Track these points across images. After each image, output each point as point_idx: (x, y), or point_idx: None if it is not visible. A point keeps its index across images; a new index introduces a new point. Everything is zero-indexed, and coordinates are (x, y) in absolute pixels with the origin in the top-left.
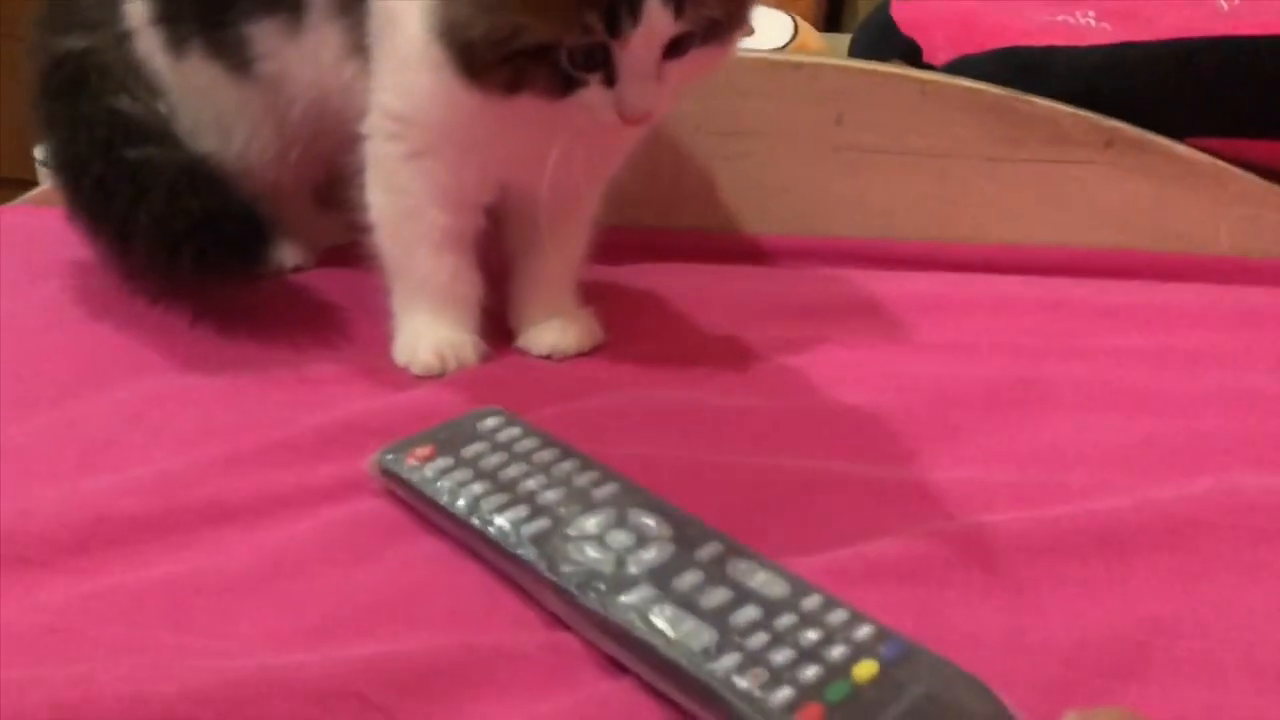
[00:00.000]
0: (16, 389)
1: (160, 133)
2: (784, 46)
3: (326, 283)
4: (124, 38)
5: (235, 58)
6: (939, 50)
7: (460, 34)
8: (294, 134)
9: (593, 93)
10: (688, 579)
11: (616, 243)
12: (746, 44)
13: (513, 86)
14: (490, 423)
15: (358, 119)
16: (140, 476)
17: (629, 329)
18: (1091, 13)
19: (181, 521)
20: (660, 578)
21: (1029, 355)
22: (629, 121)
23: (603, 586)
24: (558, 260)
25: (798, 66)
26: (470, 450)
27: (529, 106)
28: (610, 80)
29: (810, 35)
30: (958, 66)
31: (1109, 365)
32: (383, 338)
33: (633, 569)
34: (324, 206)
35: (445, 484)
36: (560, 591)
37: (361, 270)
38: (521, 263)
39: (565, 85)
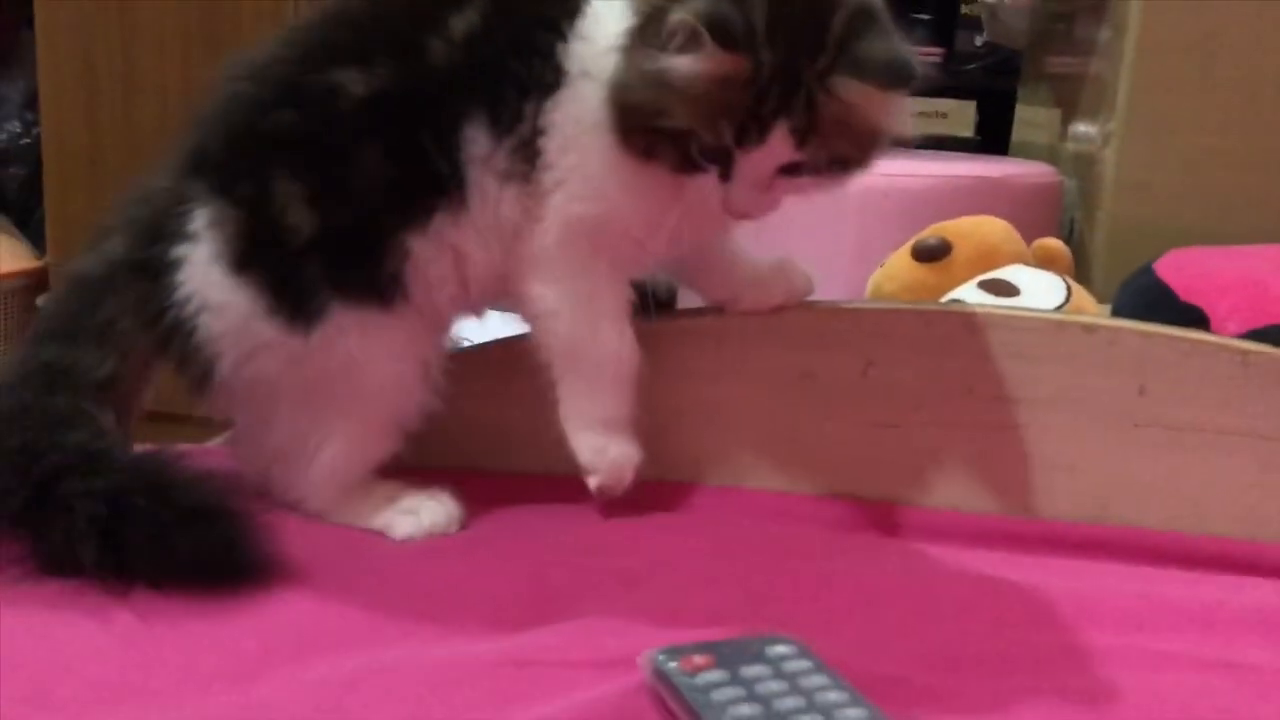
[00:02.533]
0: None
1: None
2: (1056, 309)
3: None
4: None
5: (387, 280)
6: (1228, 320)
7: (621, 95)
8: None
9: (708, 180)
10: None
11: (865, 518)
12: (1019, 303)
13: (647, 152)
14: (780, 650)
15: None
16: None
17: (887, 625)
18: None
19: None
20: None
21: None
22: (731, 215)
23: None
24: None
25: (1091, 329)
26: (751, 671)
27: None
28: (726, 176)
29: (1085, 298)
30: (1260, 337)
31: None
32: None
33: None
34: None
35: (715, 697)
36: None
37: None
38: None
39: (688, 166)
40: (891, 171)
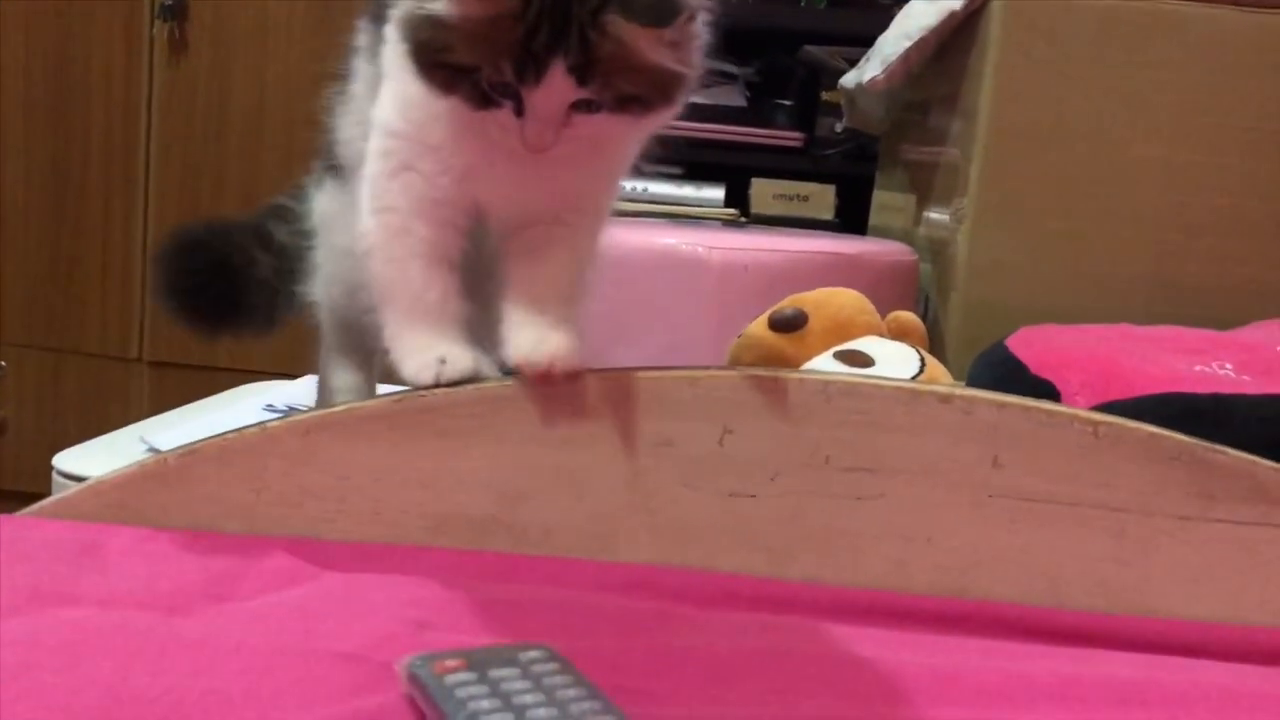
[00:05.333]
0: None
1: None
2: (911, 380)
3: None
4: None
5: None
6: (1077, 394)
7: (412, 33)
8: None
9: (504, 116)
10: None
11: (720, 591)
12: (874, 373)
13: (445, 89)
14: (532, 655)
15: None
16: None
17: (735, 701)
18: (1229, 365)
19: None
20: None
21: None
22: (529, 150)
23: None
24: (545, 276)
25: (946, 399)
26: (500, 673)
27: (464, 112)
28: (519, 112)
29: (938, 370)
30: (1106, 411)
31: None
32: None
33: None
34: None
35: (460, 695)
36: None
37: None
38: (510, 283)
39: (484, 102)
40: (752, 245)
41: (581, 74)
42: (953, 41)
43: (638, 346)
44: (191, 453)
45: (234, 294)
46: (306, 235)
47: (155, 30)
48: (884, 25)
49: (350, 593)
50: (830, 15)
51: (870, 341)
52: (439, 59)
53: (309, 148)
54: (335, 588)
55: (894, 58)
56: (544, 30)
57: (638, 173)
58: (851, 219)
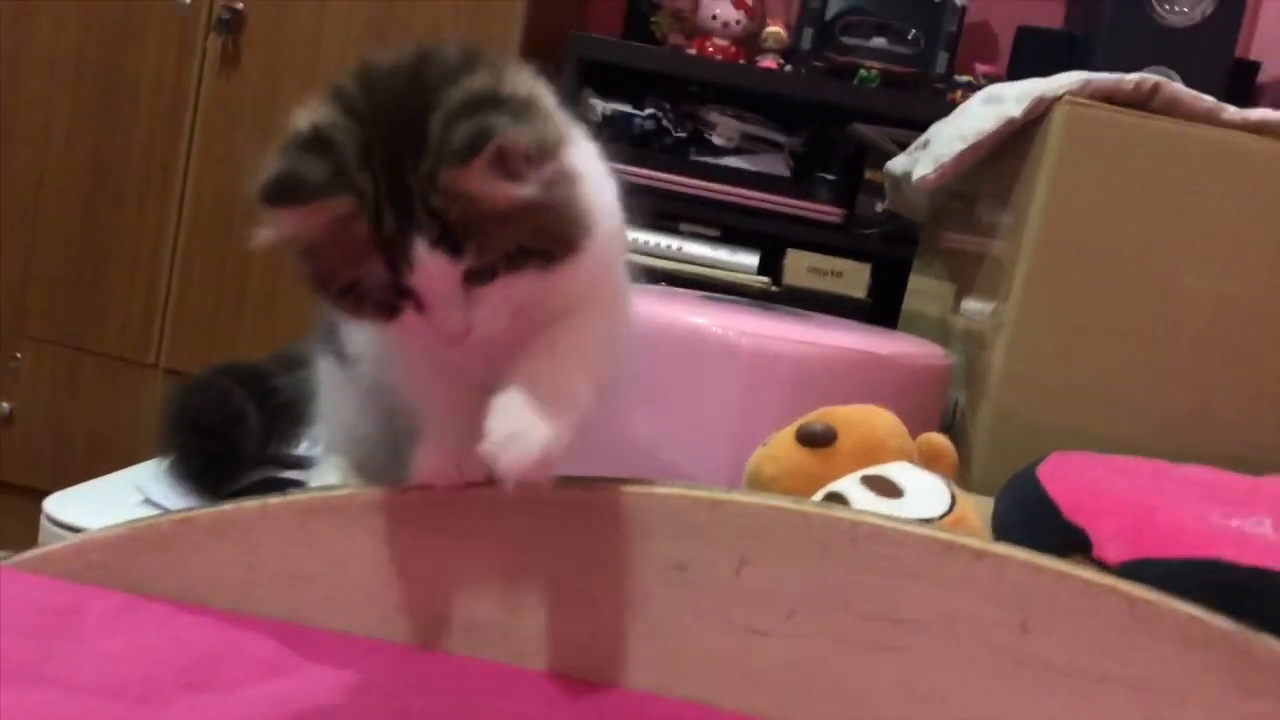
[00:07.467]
0: None
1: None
2: (939, 518)
3: None
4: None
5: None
6: (1109, 544)
7: (302, 274)
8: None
9: (410, 316)
10: None
11: None
12: (904, 510)
13: (354, 314)
14: None
15: None
16: None
17: None
18: (1267, 521)
19: None
20: None
21: None
22: (446, 341)
23: None
24: (538, 351)
25: (980, 554)
26: None
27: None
28: (419, 306)
29: (968, 507)
30: (1140, 570)
31: None
32: None
33: None
34: None
35: None
36: None
37: None
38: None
39: (390, 311)
40: (783, 334)
41: (449, 245)
42: (1008, 145)
43: (658, 422)
44: (186, 520)
45: (226, 460)
46: (311, 391)
47: (209, 41)
48: (936, 109)
49: (334, 696)
50: (882, 95)
51: (900, 469)
52: (331, 289)
53: None
54: (318, 689)
55: (947, 158)
56: (389, 214)
57: (674, 231)
58: (885, 300)
